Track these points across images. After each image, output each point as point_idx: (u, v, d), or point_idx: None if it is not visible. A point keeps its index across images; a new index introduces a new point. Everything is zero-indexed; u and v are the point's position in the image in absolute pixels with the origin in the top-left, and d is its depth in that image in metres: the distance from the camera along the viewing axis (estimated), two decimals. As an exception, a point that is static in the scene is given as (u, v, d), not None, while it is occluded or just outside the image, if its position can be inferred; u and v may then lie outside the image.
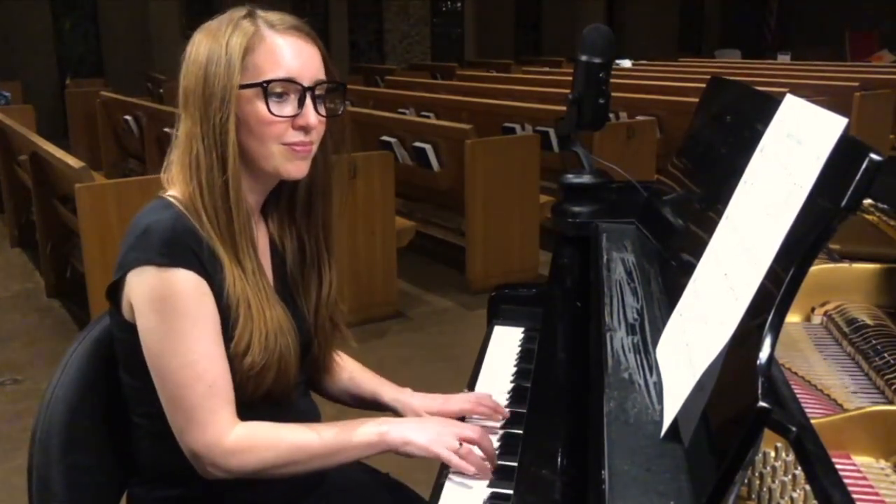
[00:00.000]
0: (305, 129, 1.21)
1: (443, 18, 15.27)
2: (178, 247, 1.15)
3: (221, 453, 1.16)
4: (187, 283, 1.15)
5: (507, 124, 5.63)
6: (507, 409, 1.39)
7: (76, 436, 1.30)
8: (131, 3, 11.66)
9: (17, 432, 3.01)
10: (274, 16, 1.22)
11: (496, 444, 1.27)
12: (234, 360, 1.19)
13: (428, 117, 6.17)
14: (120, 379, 1.27)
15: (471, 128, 4.63)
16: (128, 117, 6.90)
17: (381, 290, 4.26)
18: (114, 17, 11.74)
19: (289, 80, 1.19)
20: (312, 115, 1.21)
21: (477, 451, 1.20)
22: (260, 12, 1.22)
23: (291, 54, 1.20)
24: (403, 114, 6.28)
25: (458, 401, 1.37)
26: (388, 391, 1.44)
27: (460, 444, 1.18)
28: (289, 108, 1.20)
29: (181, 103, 1.22)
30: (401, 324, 4.24)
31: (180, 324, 1.14)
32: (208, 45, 1.19)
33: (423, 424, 1.23)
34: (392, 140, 5.10)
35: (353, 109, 6.35)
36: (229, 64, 1.17)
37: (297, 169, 1.24)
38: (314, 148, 1.25)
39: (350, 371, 1.48)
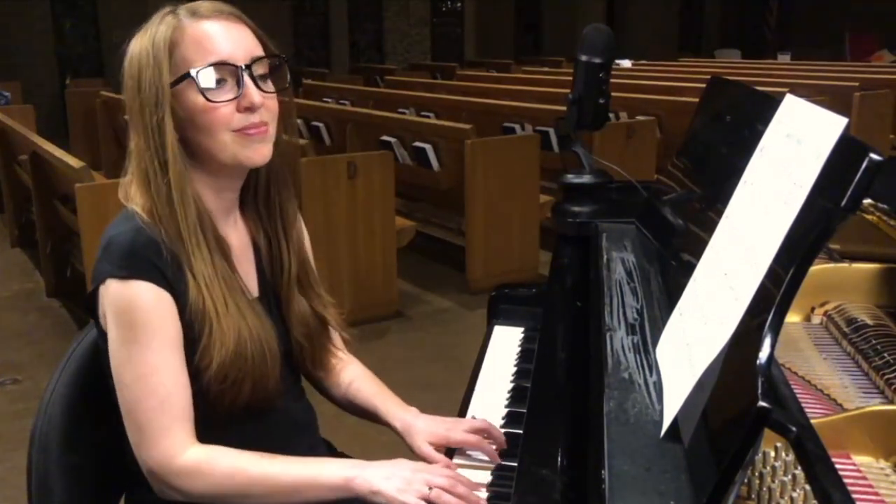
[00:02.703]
0: (251, 109, 1.18)
1: (443, 18, 15.27)
2: (137, 259, 1.14)
3: (171, 473, 1.14)
4: (146, 295, 1.13)
5: (507, 124, 5.63)
6: (507, 409, 1.39)
7: (76, 436, 1.30)
8: (131, 4, 11.65)
9: (17, 432, 3.01)
10: (199, 5, 1.20)
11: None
12: (202, 372, 1.17)
13: (428, 117, 6.16)
14: (109, 386, 1.26)
15: (471, 128, 4.63)
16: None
17: (381, 290, 4.26)
18: (114, 17, 11.73)
19: (221, 63, 1.16)
20: (255, 94, 1.18)
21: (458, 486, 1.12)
22: (183, 7, 1.20)
23: (218, 38, 1.17)
24: (403, 114, 6.28)
25: (464, 429, 1.28)
26: (391, 408, 1.36)
27: (430, 489, 1.10)
28: (228, 92, 1.17)
29: (129, 119, 1.21)
30: (401, 324, 4.24)
31: (136, 336, 1.13)
32: (138, 52, 1.18)
33: (392, 471, 1.13)
34: (392, 140, 5.10)
35: (353, 109, 6.36)
36: (157, 64, 1.15)
37: (257, 154, 1.20)
38: (271, 129, 1.21)
39: (353, 377, 1.42)
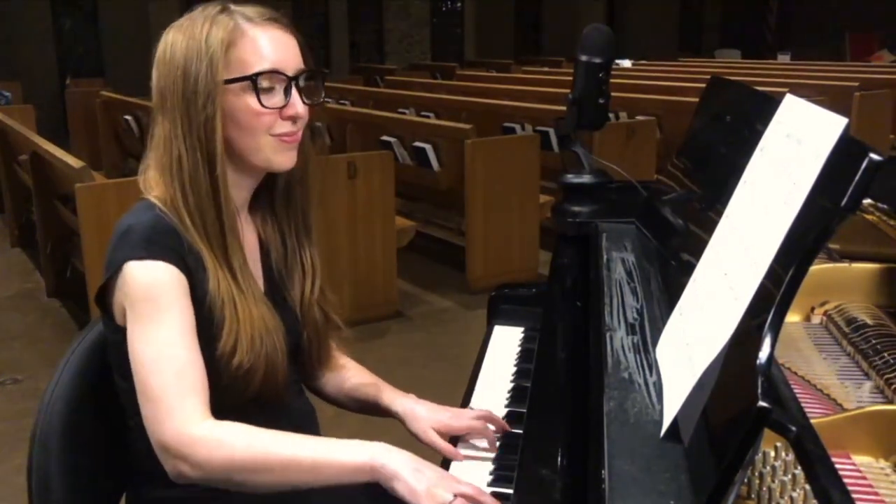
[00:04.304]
0: (293, 119, 1.22)
1: (443, 18, 15.27)
2: (158, 243, 1.16)
3: (186, 443, 1.09)
4: (164, 275, 1.15)
5: (507, 124, 5.63)
6: (507, 409, 1.39)
7: (76, 436, 1.29)
8: (131, 3, 11.66)
9: (17, 432, 3.01)
10: (249, 9, 1.22)
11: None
12: (221, 361, 1.18)
13: (428, 117, 6.16)
14: (115, 382, 1.26)
15: (471, 128, 4.64)
16: (128, 117, 6.90)
17: (381, 290, 4.26)
18: (114, 17, 11.74)
19: (274, 72, 1.20)
20: (300, 105, 1.22)
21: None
22: (233, 6, 1.22)
23: (274, 46, 1.20)
24: (403, 114, 6.28)
25: (467, 417, 1.30)
26: (390, 395, 1.38)
27: (454, 498, 1.05)
28: (277, 100, 1.20)
29: (156, 105, 1.22)
30: (401, 324, 4.24)
31: (152, 311, 1.14)
32: (185, 43, 1.19)
33: (421, 468, 1.07)
34: (392, 140, 5.10)
35: (353, 109, 6.36)
36: (212, 60, 1.17)
37: (287, 160, 1.24)
38: (300, 136, 1.25)
39: (351, 372, 1.45)
